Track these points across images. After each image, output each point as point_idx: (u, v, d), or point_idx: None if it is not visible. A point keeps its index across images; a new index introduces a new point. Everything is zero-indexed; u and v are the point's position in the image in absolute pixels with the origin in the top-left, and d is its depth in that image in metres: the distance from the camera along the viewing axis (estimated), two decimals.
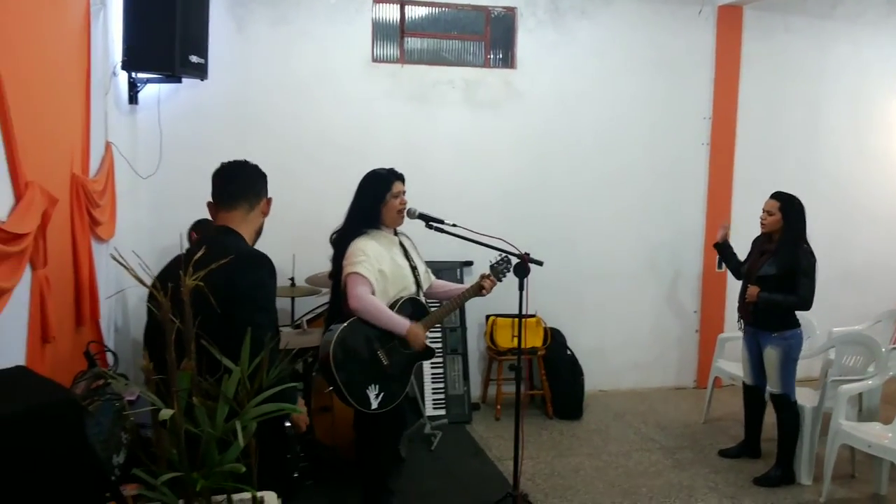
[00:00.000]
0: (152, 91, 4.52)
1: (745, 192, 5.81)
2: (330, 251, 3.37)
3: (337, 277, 3.25)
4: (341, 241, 3.25)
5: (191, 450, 1.68)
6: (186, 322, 1.76)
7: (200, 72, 4.27)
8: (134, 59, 3.95)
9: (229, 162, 2.48)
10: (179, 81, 4.38)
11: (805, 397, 4.41)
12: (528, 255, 3.40)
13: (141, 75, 4.23)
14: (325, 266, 3.55)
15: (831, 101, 6.14)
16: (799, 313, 4.21)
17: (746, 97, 5.88)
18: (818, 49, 6.05)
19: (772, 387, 4.23)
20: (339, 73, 5.13)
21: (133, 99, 4.28)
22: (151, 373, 1.71)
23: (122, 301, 4.06)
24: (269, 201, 2.49)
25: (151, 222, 4.61)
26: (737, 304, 4.45)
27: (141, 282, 1.80)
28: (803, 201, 4.20)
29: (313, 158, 5.07)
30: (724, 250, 4.71)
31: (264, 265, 2.30)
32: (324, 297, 4.64)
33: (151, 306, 1.88)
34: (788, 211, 4.15)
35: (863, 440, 3.88)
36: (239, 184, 2.45)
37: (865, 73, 6.20)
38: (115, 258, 1.88)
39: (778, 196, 4.21)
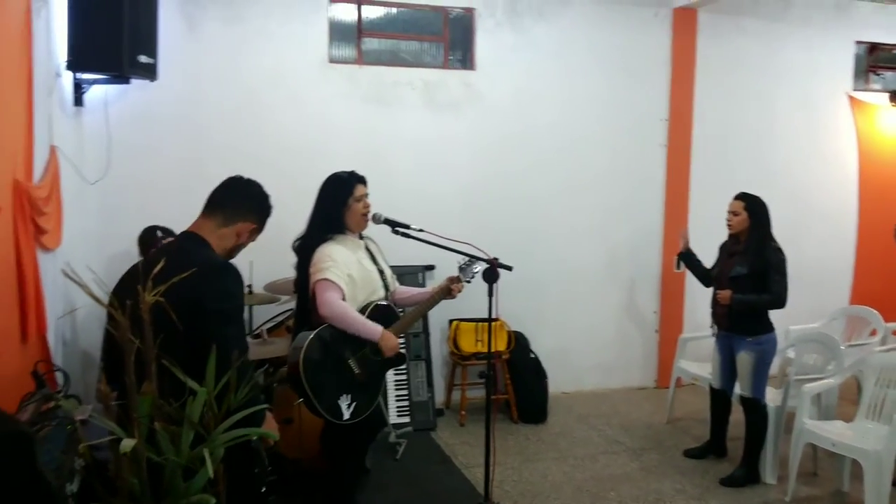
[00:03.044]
0: (99, 93, 4.31)
1: (701, 192, 5.87)
2: (292, 258, 3.26)
3: (303, 285, 3.13)
4: (305, 247, 3.14)
5: (153, 479, 1.57)
6: (146, 341, 1.65)
7: (150, 72, 4.09)
8: (79, 60, 3.75)
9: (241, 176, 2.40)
10: (128, 82, 4.19)
11: (767, 396, 4.44)
12: (497, 259, 3.34)
13: (87, 76, 4.02)
14: (285, 272, 3.44)
15: (783, 101, 6.25)
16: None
17: (702, 99, 5.94)
18: (770, 51, 6.15)
19: (743, 391, 4.24)
20: (295, 74, 5.00)
21: (79, 101, 4.07)
22: (110, 398, 1.59)
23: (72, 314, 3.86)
24: (252, 231, 2.33)
25: (100, 230, 4.40)
26: (710, 308, 4.42)
27: (97, 300, 1.67)
28: None
29: (269, 161, 4.88)
30: (688, 259, 4.68)
31: (230, 274, 2.18)
32: (284, 306, 4.52)
33: (110, 328, 1.75)
34: (754, 210, 4.18)
35: (827, 439, 3.92)
36: (228, 193, 2.34)
37: (816, 74, 6.32)
38: (67, 275, 1.75)
39: (742, 196, 4.24)
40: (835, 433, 3.96)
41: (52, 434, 2.16)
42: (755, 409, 4.21)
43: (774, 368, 4.82)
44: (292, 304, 3.96)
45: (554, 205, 5.66)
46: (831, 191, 6.46)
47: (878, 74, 6.69)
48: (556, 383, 5.51)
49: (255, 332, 4.37)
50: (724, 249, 4.41)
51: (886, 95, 6.50)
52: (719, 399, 4.49)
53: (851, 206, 6.54)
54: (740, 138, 6.13)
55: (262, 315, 4.58)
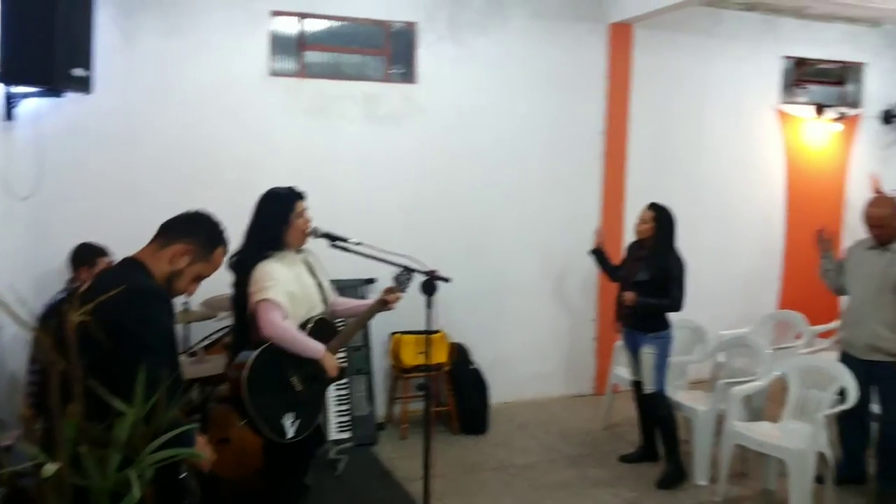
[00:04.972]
0: (31, 106, 4.22)
1: (637, 202, 5.94)
2: (228, 273, 3.23)
3: (240, 303, 3.12)
4: (243, 265, 3.12)
5: None
6: (72, 362, 1.65)
7: (84, 86, 4.01)
8: (9, 72, 3.67)
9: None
10: (61, 96, 4.12)
11: (698, 400, 4.61)
12: (435, 272, 3.38)
13: (18, 89, 3.94)
14: (221, 289, 3.41)
15: (715, 114, 6.47)
16: (683, 317, 4.48)
17: (637, 111, 6.10)
18: (703, 65, 6.36)
19: (647, 386, 4.44)
20: (234, 87, 4.98)
21: (9, 115, 3.99)
22: (32, 421, 1.58)
23: None
24: (189, 254, 2.22)
25: (30, 248, 4.27)
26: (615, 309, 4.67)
27: (19, 320, 1.67)
28: (692, 211, 4.50)
29: (208, 176, 4.88)
30: (599, 255, 5.00)
31: (155, 300, 2.13)
32: (222, 322, 4.48)
33: (35, 349, 1.75)
34: (662, 221, 4.41)
35: (755, 439, 4.08)
36: (175, 218, 2.30)
37: (746, 87, 6.57)
38: None
39: (653, 207, 4.48)
40: (762, 434, 4.12)
41: None
42: (660, 402, 4.42)
43: (704, 372, 5.01)
44: (229, 321, 3.93)
45: (494, 216, 5.75)
46: (760, 200, 6.71)
47: (805, 88, 6.98)
48: (498, 393, 5.58)
49: (192, 350, 4.32)
50: (631, 251, 4.65)
51: (813, 108, 6.80)
52: (640, 391, 4.64)
53: (779, 215, 6.80)
54: (674, 150, 6.32)
55: (198, 332, 4.54)
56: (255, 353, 3.00)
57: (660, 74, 6.18)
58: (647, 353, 4.42)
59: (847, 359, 4.20)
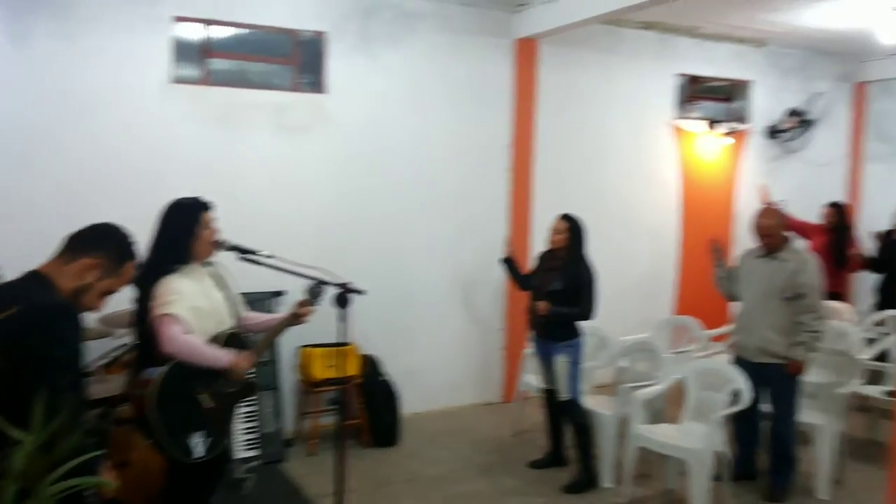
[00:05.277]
0: None
1: (542, 213, 6.13)
2: (128, 289, 3.10)
3: (143, 319, 3.00)
4: (146, 279, 2.99)
5: None
6: None
7: None
8: None
9: None
10: None
11: (602, 405, 4.75)
12: (348, 284, 3.35)
13: None
14: (120, 304, 3.26)
15: (616, 128, 6.71)
16: (589, 324, 4.61)
17: (543, 125, 6.25)
18: (605, 81, 6.60)
19: (562, 394, 4.54)
20: (134, 95, 4.78)
21: None
22: None
23: None
24: (99, 268, 2.13)
25: None
26: (528, 316, 4.74)
27: None
28: (594, 220, 4.64)
29: (108, 186, 4.66)
30: (510, 264, 5.08)
31: (62, 316, 2.01)
32: (121, 340, 4.28)
33: None
34: (575, 231, 4.54)
35: (657, 441, 4.25)
36: (84, 231, 2.19)
37: (644, 103, 6.85)
38: None
39: (566, 217, 4.60)
40: (663, 435, 4.28)
41: None
42: (576, 409, 4.54)
43: (607, 377, 5.18)
44: (128, 339, 3.77)
45: (405, 227, 5.76)
46: (657, 211, 7.02)
47: (697, 104, 7.35)
48: (408, 404, 5.58)
49: (90, 370, 4.11)
50: (543, 261, 4.74)
51: (705, 123, 7.18)
52: (552, 398, 4.75)
53: (674, 225, 7.12)
54: (578, 162, 6.52)
55: (96, 350, 4.31)
56: (163, 369, 2.89)
57: (565, 89, 6.37)
58: (562, 361, 4.52)
59: (740, 361, 4.44)
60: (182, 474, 3.02)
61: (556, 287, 4.49)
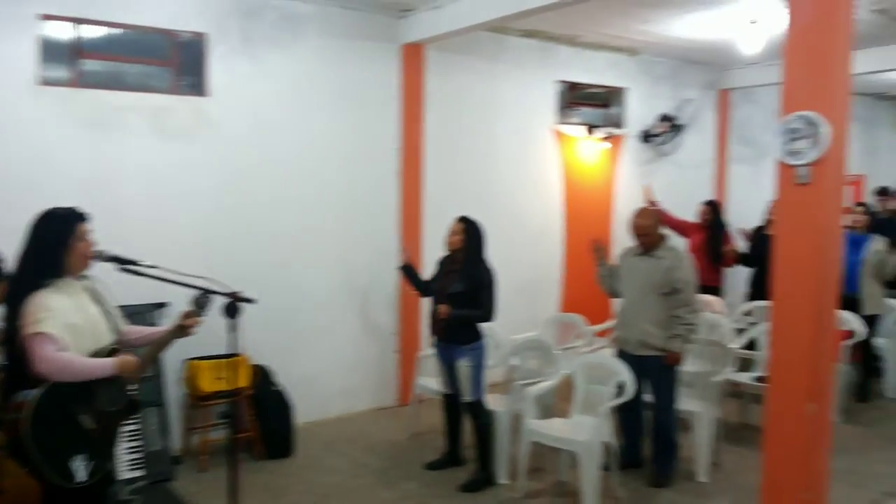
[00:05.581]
0: None
1: (434, 216, 6.20)
2: None
3: (13, 338, 2.80)
4: (14, 296, 2.80)
5: None
6: None
7: None
8: None
9: None
10: None
11: (496, 402, 4.85)
12: (238, 293, 3.26)
13: None
14: None
15: (502, 133, 6.87)
16: (484, 326, 4.65)
17: (432, 129, 6.31)
18: (490, 87, 6.74)
19: (465, 396, 4.60)
20: None
21: None
22: None
23: None
24: None
25: None
26: (429, 321, 4.75)
27: None
28: (483, 223, 4.67)
29: None
30: (408, 271, 5.04)
31: None
32: None
33: None
34: (471, 233, 4.59)
35: (549, 436, 4.38)
36: None
37: (528, 109, 7.05)
38: None
39: (463, 219, 4.65)
40: (555, 429, 4.43)
41: None
42: (480, 411, 4.61)
43: (499, 376, 5.29)
44: None
45: (295, 233, 5.67)
46: (542, 212, 7.24)
47: (577, 110, 7.64)
48: (303, 413, 5.49)
49: None
50: (443, 265, 4.78)
51: (584, 128, 7.47)
52: (451, 403, 4.82)
53: (558, 225, 7.37)
54: (467, 166, 6.63)
55: None
56: (37, 391, 2.71)
57: (452, 95, 6.47)
58: (464, 365, 4.55)
59: (622, 355, 4.65)
60: (62, 500, 2.85)
61: (456, 289, 4.52)
